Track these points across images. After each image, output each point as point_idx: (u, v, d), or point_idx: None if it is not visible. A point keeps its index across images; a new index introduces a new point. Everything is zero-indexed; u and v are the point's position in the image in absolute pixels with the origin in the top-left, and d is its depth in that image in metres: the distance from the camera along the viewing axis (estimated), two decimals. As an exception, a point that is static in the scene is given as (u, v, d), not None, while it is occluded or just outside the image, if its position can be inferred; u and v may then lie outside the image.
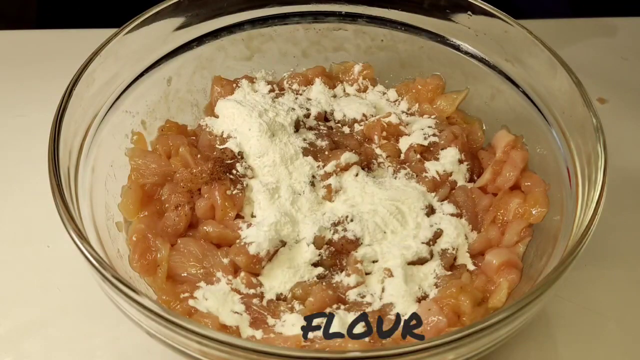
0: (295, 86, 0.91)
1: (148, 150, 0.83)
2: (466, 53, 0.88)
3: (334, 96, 0.91)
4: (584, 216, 0.67)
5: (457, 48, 0.88)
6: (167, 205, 0.78)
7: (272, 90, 0.90)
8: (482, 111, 0.88)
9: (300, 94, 0.90)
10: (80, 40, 0.83)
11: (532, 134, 0.82)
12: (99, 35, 0.79)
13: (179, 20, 0.84)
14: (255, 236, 0.74)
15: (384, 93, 0.92)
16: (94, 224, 0.71)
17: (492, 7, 0.83)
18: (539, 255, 0.75)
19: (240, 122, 0.82)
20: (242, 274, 0.73)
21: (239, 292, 0.72)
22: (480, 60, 0.87)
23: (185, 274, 0.74)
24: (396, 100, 0.91)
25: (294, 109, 0.85)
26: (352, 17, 0.91)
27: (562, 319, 0.78)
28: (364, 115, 0.87)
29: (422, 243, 0.76)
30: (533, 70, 0.82)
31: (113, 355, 0.75)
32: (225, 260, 0.74)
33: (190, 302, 0.71)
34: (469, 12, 0.84)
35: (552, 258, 0.71)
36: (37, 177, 0.70)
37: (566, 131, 0.78)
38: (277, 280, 0.74)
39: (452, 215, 0.79)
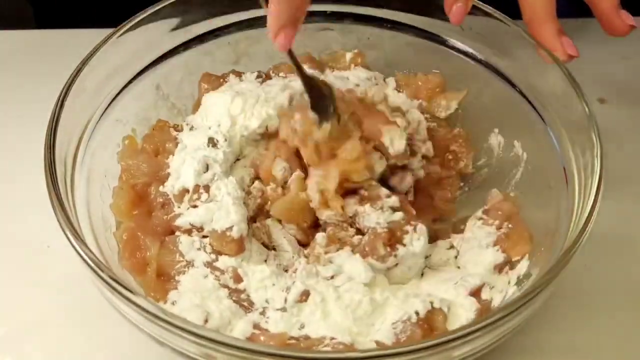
0: (282, 74, 0.89)
1: (139, 150, 0.82)
2: (461, 52, 0.87)
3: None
4: (583, 208, 0.68)
5: (452, 47, 0.88)
6: (154, 204, 0.78)
7: (259, 77, 0.88)
8: (476, 109, 0.88)
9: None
10: (80, 40, 0.82)
11: (527, 132, 0.82)
12: (99, 35, 0.79)
13: (165, 26, 0.84)
14: (228, 219, 0.74)
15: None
16: (93, 232, 0.72)
17: (487, 6, 0.83)
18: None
19: (225, 109, 0.82)
20: (230, 269, 0.73)
21: (227, 287, 0.72)
22: (474, 58, 0.87)
23: (174, 272, 0.74)
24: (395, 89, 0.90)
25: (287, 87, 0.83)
26: (338, 17, 0.91)
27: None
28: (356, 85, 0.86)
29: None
30: (527, 67, 0.82)
31: (113, 356, 0.75)
32: (212, 255, 0.74)
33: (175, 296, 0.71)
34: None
35: (550, 252, 0.71)
36: (37, 177, 0.69)
37: (561, 128, 0.78)
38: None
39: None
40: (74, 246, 0.64)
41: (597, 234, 0.67)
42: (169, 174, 0.79)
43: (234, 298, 0.72)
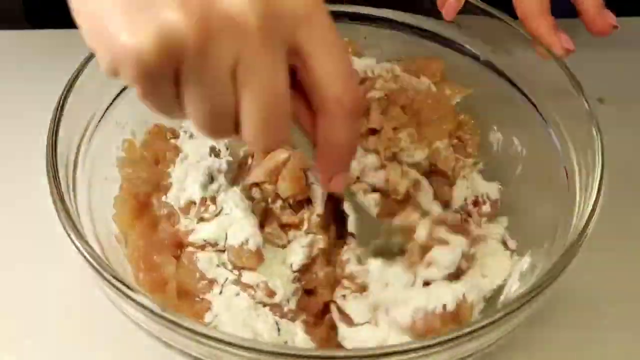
0: None
1: (138, 157, 0.82)
2: (459, 50, 0.87)
3: None
4: (585, 203, 0.68)
5: (450, 45, 0.88)
6: (159, 215, 0.77)
7: None
8: (474, 107, 0.88)
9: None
10: (77, 41, 0.82)
11: (526, 128, 0.82)
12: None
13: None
14: (242, 233, 0.73)
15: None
16: (95, 233, 0.71)
17: (485, 4, 0.84)
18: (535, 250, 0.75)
19: None
20: (261, 285, 0.72)
21: (264, 303, 0.71)
22: (472, 56, 0.87)
23: (197, 291, 0.73)
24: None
25: None
26: (335, 16, 0.90)
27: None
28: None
29: None
30: (525, 64, 0.82)
31: (114, 356, 0.75)
32: (234, 272, 0.73)
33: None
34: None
35: (551, 254, 0.71)
36: (36, 177, 0.69)
37: (560, 124, 0.78)
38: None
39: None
40: (77, 247, 0.64)
41: (599, 230, 0.67)
42: (170, 183, 0.78)
43: (277, 314, 0.71)
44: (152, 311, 0.60)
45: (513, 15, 0.82)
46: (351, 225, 0.75)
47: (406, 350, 0.58)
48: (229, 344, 0.58)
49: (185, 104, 0.53)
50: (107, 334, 0.75)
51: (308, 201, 0.77)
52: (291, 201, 0.76)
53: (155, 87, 0.51)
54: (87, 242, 0.64)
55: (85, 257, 0.63)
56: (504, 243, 0.78)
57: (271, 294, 0.72)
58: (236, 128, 0.55)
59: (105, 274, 0.62)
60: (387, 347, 0.63)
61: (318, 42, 0.56)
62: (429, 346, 0.59)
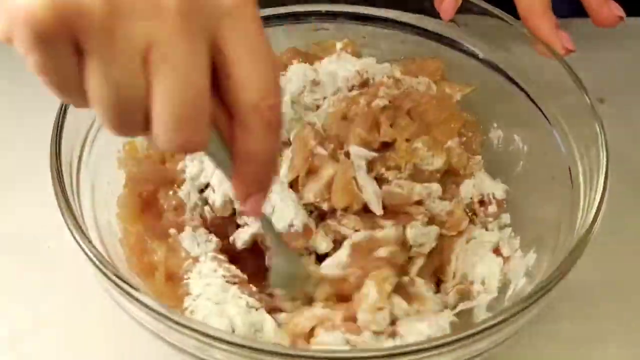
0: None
1: (141, 157, 0.81)
2: (458, 48, 0.87)
3: (314, 70, 0.87)
4: (591, 200, 0.68)
5: (448, 44, 0.88)
6: (166, 206, 0.77)
7: None
8: (474, 105, 0.87)
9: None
10: None
11: (527, 125, 0.83)
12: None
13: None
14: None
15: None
16: (100, 237, 0.71)
17: (483, 2, 0.84)
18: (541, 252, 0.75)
19: None
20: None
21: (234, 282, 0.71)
22: (471, 55, 0.87)
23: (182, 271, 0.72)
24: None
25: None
26: (333, 16, 0.91)
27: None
28: (357, 72, 0.85)
29: None
30: (525, 62, 0.82)
31: (114, 355, 0.75)
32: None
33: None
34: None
35: (557, 250, 0.71)
36: (36, 177, 0.69)
37: (562, 120, 0.78)
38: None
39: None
40: (83, 249, 0.63)
41: (601, 229, 0.67)
42: (183, 179, 0.78)
43: (246, 292, 0.70)
44: (156, 311, 0.60)
45: (514, 14, 0.82)
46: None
47: (415, 351, 0.58)
48: (232, 344, 0.58)
49: (88, 84, 0.46)
50: (109, 333, 0.75)
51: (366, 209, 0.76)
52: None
53: (51, 57, 0.45)
54: (91, 242, 0.64)
55: (89, 256, 0.63)
56: (497, 250, 0.78)
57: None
58: (146, 125, 0.48)
59: (109, 274, 0.61)
60: (397, 347, 0.64)
61: (241, 37, 0.49)
62: (439, 346, 0.59)
